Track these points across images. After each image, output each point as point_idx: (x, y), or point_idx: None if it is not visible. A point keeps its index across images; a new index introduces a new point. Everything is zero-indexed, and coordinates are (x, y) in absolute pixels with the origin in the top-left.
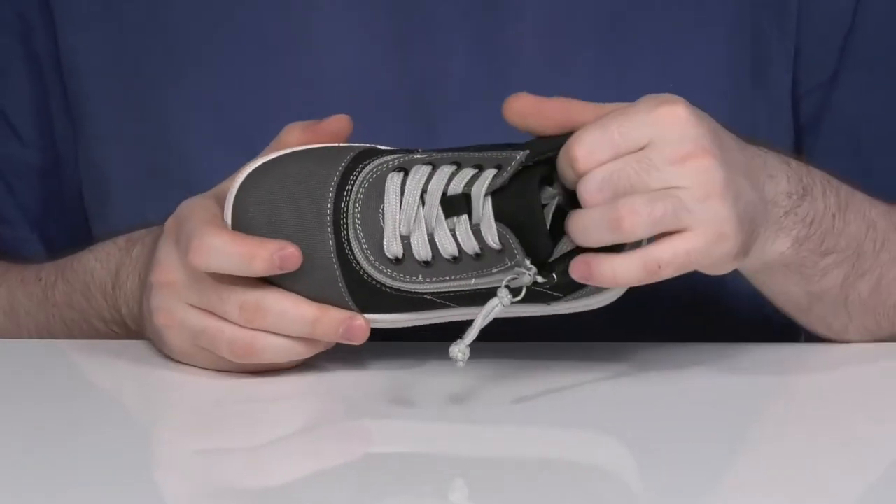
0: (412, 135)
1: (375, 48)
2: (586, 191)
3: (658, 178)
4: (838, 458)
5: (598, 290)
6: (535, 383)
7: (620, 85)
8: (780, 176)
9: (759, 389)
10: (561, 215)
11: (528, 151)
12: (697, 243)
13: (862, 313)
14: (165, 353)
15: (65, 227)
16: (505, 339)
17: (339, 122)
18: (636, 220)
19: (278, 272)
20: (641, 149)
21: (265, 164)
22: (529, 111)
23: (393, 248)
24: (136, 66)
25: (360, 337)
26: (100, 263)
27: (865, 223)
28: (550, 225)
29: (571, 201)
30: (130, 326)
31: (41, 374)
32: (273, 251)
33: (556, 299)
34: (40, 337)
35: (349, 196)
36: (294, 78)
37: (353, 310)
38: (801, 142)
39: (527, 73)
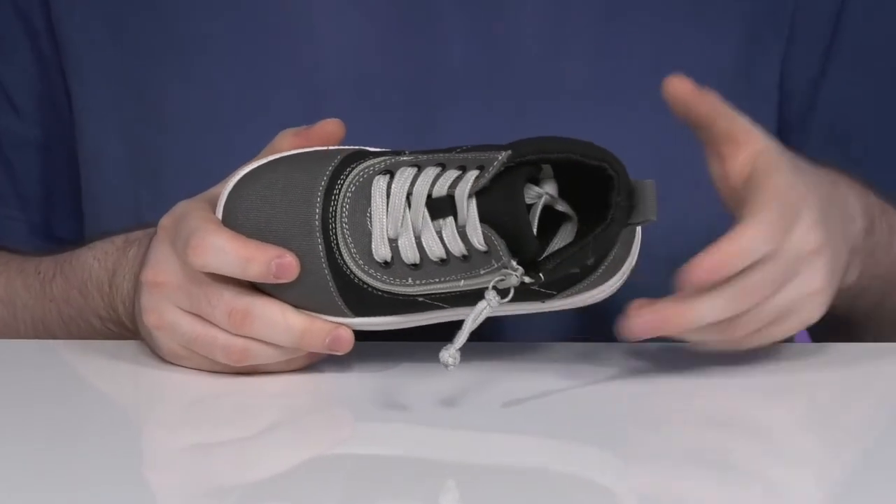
0: (411, 121)
1: (375, 34)
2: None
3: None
4: (833, 460)
5: (593, 286)
6: (525, 385)
7: (618, 72)
8: (857, 216)
9: (764, 389)
10: (548, 213)
11: (509, 152)
12: (788, 332)
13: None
14: (156, 353)
15: (68, 208)
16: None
17: (330, 126)
18: (752, 340)
19: (272, 281)
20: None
21: (254, 170)
22: (684, 97)
23: (381, 251)
24: (133, 45)
25: (344, 347)
26: (97, 262)
27: None
28: (539, 223)
29: (562, 197)
30: (127, 325)
31: (34, 373)
32: (272, 257)
33: (551, 297)
34: (36, 329)
35: (336, 201)
36: (292, 63)
37: (345, 313)
38: (785, 139)
39: (525, 60)
